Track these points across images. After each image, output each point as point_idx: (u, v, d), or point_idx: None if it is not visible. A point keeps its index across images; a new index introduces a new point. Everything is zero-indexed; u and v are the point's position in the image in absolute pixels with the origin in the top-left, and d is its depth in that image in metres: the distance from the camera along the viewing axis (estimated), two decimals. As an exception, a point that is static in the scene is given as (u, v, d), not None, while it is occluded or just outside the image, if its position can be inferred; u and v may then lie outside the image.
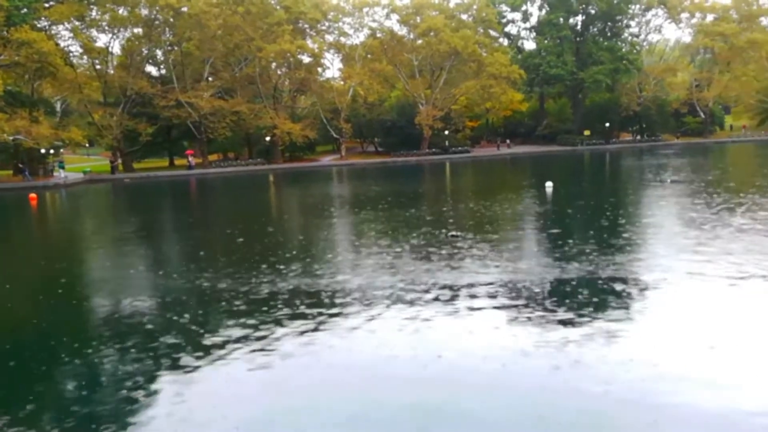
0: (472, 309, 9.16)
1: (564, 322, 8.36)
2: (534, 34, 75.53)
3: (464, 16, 68.08)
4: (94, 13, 55.50)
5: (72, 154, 76.82)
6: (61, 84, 55.05)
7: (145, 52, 59.96)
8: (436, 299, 9.73)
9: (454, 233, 15.58)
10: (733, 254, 11.97)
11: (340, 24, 66.41)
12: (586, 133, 69.92)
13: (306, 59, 62.78)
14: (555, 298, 9.66)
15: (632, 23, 75.81)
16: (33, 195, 34.82)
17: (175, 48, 59.67)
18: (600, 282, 10.39)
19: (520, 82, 66.70)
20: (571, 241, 14.37)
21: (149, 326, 9.32)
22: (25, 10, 47.43)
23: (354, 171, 51.73)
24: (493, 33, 71.22)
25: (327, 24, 65.69)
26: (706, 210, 18.16)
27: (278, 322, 8.97)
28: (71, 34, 54.74)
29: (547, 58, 68.75)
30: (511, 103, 67.37)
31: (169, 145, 67.36)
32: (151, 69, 65.01)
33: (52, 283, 12.87)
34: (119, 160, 58.78)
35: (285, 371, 7.25)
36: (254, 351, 7.86)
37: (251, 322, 9.08)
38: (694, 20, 74.54)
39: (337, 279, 11.51)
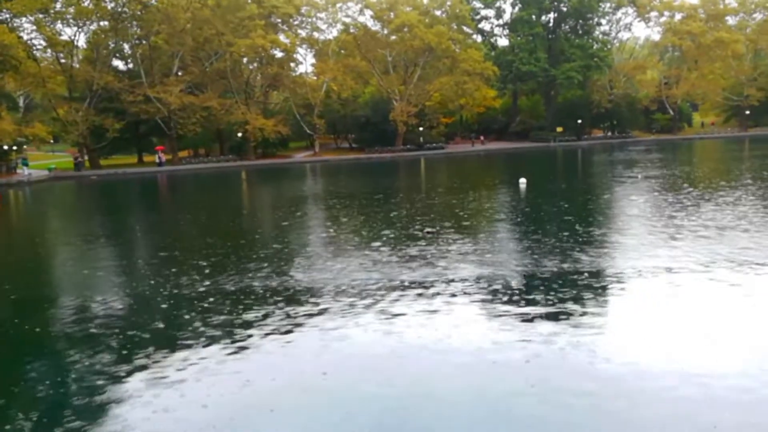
0: (447, 303, 9.09)
1: (536, 315, 8.34)
2: (507, 30, 75.88)
3: (438, 12, 67.94)
4: (58, 5, 53.66)
5: (36, 151, 74.49)
6: (24, 78, 53.17)
7: (112, 45, 58.43)
8: (411, 294, 9.59)
9: (429, 229, 15.42)
10: (703, 247, 12.09)
11: (314, 19, 65.72)
12: (559, 129, 70.54)
13: (278, 54, 61.89)
14: (528, 292, 9.64)
15: (603, 21, 76.75)
16: (-6, 193, 33.60)
17: (143, 42, 58.22)
18: (573, 275, 10.42)
19: (494, 78, 66.89)
20: (544, 236, 14.33)
21: (102, 328, 8.88)
22: (-14, 1, 45.80)
23: (328, 167, 51.29)
24: (466, 29, 71.15)
25: (300, 19, 64.92)
26: (676, 204, 18.42)
27: (248, 324, 8.66)
28: (34, 27, 52.93)
29: (520, 55, 69.13)
30: (485, 100, 67.55)
31: (138, 142, 65.66)
32: (118, 63, 63.43)
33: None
34: (86, 157, 57.21)
35: (256, 370, 6.96)
36: (225, 349, 7.52)
37: (220, 320, 8.75)
38: (662, 19, 75.72)
39: (312, 276, 11.22)
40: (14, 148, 50.01)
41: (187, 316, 9.23)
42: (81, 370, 7.37)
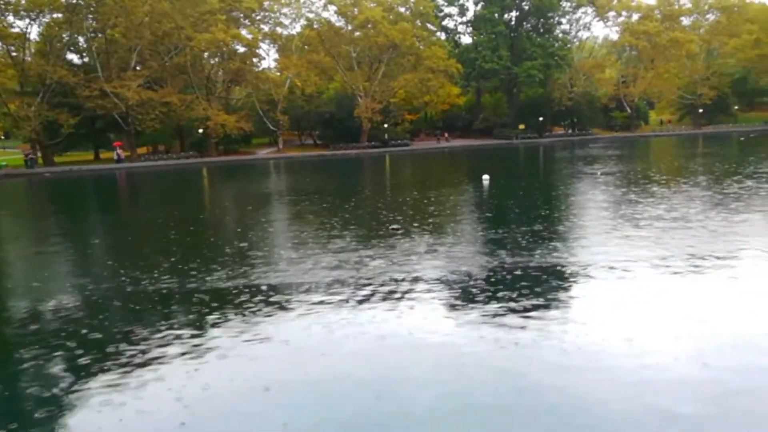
0: (414, 299, 9.08)
1: (501, 309, 8.38)
2: (470, 28, 76.50)
3: (402, 9, 67.95)
4: (9, -5, 51.64)
5: (-14, 148, 71.64)
6: (-28, 72, 51.05)
7: (66, 38, 56.36)
8: (378, 292, 9.52)
9: (394, 227, 15.36)
10: (662, 240, 12.42)
11: (277, 14, 64.84)
12: (521, 127, 71.56)
13: (241, 49, 60.96)
14: (493, 286, 9.69)
15: (563, 20, 78.13)
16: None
17: (99, 35, 56.46)
18: (536, 270, 10.54)
19: (458, 76, 67.35)
20: (508, 231, 14.45)
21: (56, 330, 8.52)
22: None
23: (292, 164, 50.76)
24: (430, 26, 71.45)
25: (263, 14, 63.95)
26: (634, 199, 18.86)
27: (214, 324, 8.45)
28: (-17, 19, 50.82)
29: (483, 53, 69.77)
30: (449, 97, 68.01)
31: (94, 138, 63.67)
32: (73, 57, 61.33)
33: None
34: (39, 154, 55.18)
35: (228, 368, 6.77)
36: (185, 354, 7.29)
37: (183, 320, 8.52)
38: (620, 19, 77.61)
39: (277, 275, 11.02)
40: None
41: (144, 317, 8.94)
42: (36, 375, 7.03)
